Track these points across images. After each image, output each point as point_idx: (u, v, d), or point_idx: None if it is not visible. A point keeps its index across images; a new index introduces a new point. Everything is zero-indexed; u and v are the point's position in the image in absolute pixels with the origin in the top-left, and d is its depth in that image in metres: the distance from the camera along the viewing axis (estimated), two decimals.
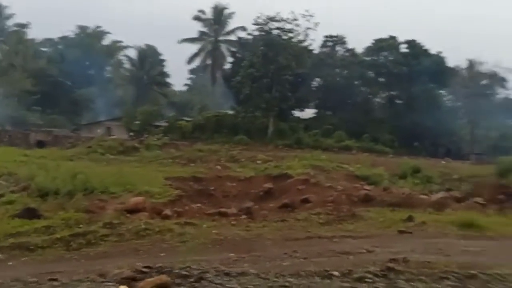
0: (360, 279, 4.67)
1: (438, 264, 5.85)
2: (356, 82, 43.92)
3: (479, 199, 14.31)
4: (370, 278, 4.69)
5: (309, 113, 43.36)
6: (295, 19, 36.95)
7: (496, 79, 50.50)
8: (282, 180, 17.82)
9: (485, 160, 31.64)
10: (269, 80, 36.68)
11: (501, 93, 53.57)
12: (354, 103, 43.34)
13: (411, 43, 42.66)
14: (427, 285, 4.53)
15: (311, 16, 36.78)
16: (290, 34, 37.63)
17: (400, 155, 33.24)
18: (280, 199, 15.24)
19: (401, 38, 43.62)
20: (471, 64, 50.29)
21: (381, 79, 43.65)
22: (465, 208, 13.30)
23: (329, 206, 12.82)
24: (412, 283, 4.55)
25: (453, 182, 21.52)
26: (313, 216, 11.21)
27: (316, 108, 44.66)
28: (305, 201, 14.25)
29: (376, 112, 44.98)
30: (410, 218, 10.62)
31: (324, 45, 44.88)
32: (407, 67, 40.67)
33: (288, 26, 37.44)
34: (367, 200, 14.69)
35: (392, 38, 43.31)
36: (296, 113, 41.61)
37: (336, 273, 4.87)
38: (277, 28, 37.50)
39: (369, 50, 43.99)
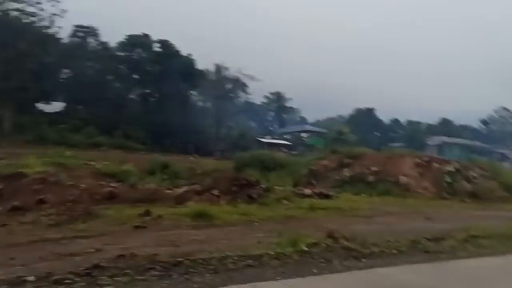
0: (59, 281, 4.29)
1: (162, 256, 5.94)
2: (109, 77, 42.68)
3: (215, 191, 15.44)
4: (70, 279, 4.36)
5: (56, 106, 39.96)
6: (39, 3, 33.56)
7: (239, 84, 56.83)
8: (16, 180, 15.71)
9: (227, 156, 35.05)
10: (6, 67, 32.11)
11: (243, 97, 60.93)
12: (107, 99, 41.89)
13: (164, 43, 43.88)
14: (131, 278, 4.48)
15: (57, 1, 33.96)
16: (33, 18, 33.86)
17: (152, 152, 33.91)
18: (10, 201, 13.42)
19: (154, 37, 44.45)
20: (218, 69, 55.22)
21: (135, 76, 43.60)
22: (203, 200, 14.18)
23: (66, 206, 11.91)
24: (116, 278, 4.43)
25: (198, 177, 23.01)
26: (42, 218, 10.13)
27: (64, 101, 41.51)
28: (41, 202, 12.92)
29: (130, 108, 44.62)
30: (147, 213, 10.68)
31: (74, 35, 42.11)
32: (160, 66, 41.62)
33: (30, 9, 33.70)
34: (111, 197, 14.24)
35: (146, 36, 43.65)
36: (40, 106, 37.77)
37: (31, 278, 4.35)
38: (16, 10, 33.24)
39: (122, 45, 43.29)
